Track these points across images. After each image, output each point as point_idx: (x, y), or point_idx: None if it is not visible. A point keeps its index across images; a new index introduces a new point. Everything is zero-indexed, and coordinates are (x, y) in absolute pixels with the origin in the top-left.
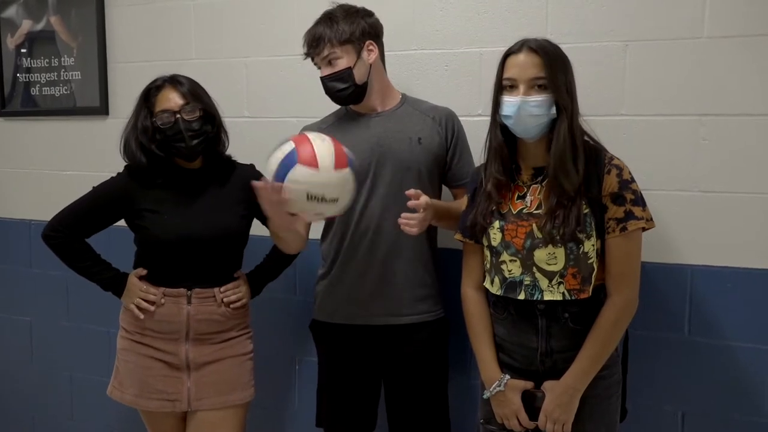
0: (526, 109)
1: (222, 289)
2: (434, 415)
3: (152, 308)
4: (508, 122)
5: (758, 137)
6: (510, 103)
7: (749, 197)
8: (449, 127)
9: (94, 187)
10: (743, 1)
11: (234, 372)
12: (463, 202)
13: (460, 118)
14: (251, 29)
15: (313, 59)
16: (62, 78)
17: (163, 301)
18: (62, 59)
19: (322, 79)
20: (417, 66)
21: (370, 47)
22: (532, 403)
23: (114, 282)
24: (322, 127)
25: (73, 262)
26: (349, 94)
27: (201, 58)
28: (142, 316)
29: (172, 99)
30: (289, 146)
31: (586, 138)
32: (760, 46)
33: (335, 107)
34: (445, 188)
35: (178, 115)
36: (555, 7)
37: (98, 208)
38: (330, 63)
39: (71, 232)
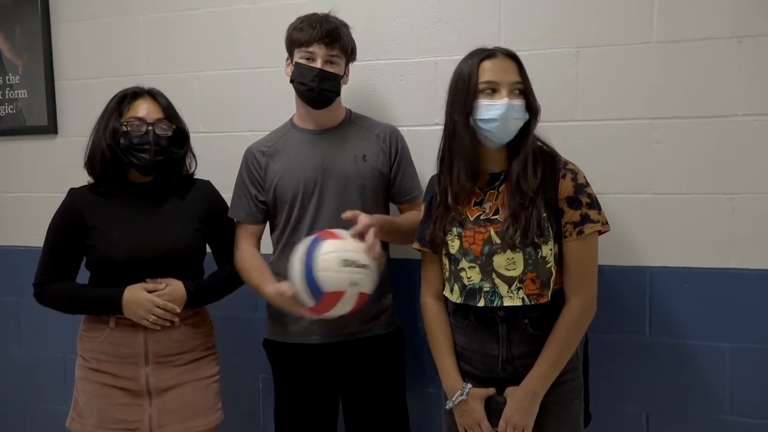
0: (511, 113)
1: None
2: (394, 427)
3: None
4: (490, 126)
5: (709, 138)
6: (495, 106)
7: (702, 198)
8: (393, 144)
9: (48, 226)
10: (690, 6)
11: (199, 396)
12: (410, 216)
13: (415, 128)
14: (203, 43)
15: (308, 45)
16: (8, 97)
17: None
18: (7, 77)
19: (320, 71)
20: (372, 76)
21: (348, 68)
22: (494, 409)
23: (112, 295)
24: (267, 145)
25: (63, 298)
26: (328, 98)
27: (152, 72)
28: (176, 320)
29: (149, 110)
30: (310, 238)
31: (539, 143)
32: (708, 49)
33: (286, 119)
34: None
35: (150, 127)
36: (507, 16)
37: (62, 243)
38: (330, 62)
39: (54, 279)
